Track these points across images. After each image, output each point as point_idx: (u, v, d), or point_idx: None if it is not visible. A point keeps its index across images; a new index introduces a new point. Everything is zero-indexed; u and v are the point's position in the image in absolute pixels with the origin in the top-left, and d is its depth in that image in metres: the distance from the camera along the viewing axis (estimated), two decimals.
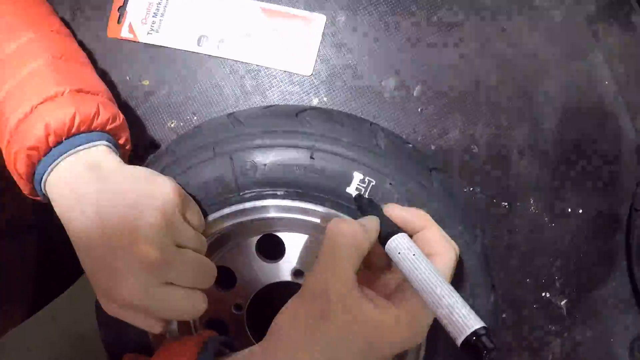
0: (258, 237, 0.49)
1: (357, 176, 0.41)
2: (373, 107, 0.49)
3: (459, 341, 0.30)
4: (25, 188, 0.42)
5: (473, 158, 0.49)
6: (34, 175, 0.40)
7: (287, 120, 0.43)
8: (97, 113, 0.41)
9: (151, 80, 0.50)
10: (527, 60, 0.49)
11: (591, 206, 0.51)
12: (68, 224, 0.39)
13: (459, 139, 0.49)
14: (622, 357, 0.53)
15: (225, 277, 0.51)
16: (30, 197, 0.43)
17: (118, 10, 0.50)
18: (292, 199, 0.43)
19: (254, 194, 0.43)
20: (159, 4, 0.49)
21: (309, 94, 0.49)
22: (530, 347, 0.53)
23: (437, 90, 0.49)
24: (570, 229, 0.51)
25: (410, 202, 0.42)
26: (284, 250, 0.50)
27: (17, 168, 0.40)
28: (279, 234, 0.49)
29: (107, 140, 0.42)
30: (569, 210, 0.51)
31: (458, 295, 0.32)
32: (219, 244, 0.49)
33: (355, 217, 0.40)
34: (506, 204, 0.50)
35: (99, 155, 0.40)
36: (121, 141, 0.45)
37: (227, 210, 0.43)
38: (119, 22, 0.50)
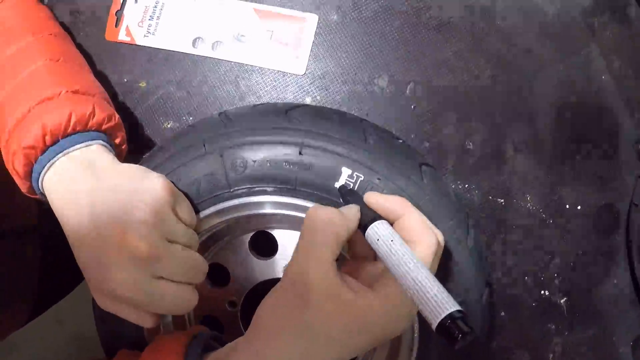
0: (251, 234, 0.50)
1: (346, 171, 0.41)
2: (366, 105, 0.49)
3: (434, 325, 0.30)
4: (23, 187, 0.43)
5: (468, 154, 0.49)
6: (31, 174, 0.42)
7: (276, 117, 0.44)
8: (93, 113, 0.42)
9: (148, 82, 0.51)
10: (522, 55, 0.49)
11: (590, 202, 0.50)
12: (63, 220, 0.40)
13: (453, 136, 0.49)
14: (625, 355, 0.52)
15: (219, 275, 0.52)
16: (29, 195, 0.44)
17: (115, 13, 0.51)
18: (283, 195, 0.43)
19: (245, 190, 0.43)
20: (155, 7, 0.50)
21: (302, 93, 0.49)
22: (530, 346, 0.52)
23: (430, 88, 0.49)
24: (569, 226, 0.50)
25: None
26: (277, 247, 0.50)
27: (15, 167, 0.42)
28: (272, 231, 0.50)
29: (102, 140, 0.43)
30: (567, 206, 0.50)
31: (435, 279, 0.32)
32: (212, 241, 0.49)
33: None
34: (502, 200, 0.49)
35: (94, 154, 0.42)
36: (117, 141, 0.46)
37: (218, 207, 0.44)
38: (116, 25, 0.51)
